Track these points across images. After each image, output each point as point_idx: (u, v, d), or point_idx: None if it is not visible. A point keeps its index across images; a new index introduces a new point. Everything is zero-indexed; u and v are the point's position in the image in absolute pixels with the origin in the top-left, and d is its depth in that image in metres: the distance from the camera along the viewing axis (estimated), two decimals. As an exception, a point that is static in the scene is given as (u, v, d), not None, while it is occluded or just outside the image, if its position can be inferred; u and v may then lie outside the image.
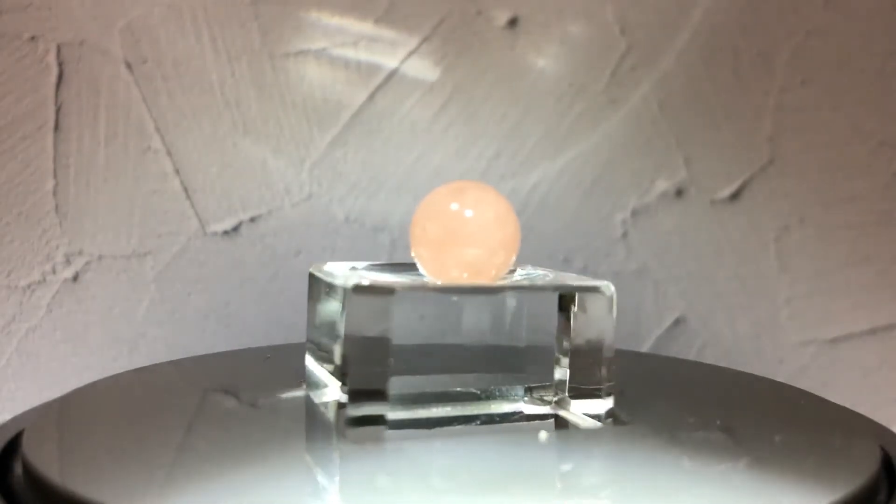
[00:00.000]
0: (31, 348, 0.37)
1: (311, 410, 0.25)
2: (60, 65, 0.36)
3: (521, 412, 0.25)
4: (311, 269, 0.26)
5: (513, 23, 0.38)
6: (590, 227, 0.39)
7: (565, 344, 0.25)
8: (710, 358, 0.39)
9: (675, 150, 0.38)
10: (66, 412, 0.25)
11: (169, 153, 0.37)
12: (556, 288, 0.25)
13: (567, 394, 0.25)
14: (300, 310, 0.38)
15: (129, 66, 0.37)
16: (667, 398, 0.28)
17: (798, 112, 0.38)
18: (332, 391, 0.24)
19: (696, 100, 0.38)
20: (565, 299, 0.25)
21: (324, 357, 0.25)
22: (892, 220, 0.39)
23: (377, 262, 0.28)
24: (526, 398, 0.26)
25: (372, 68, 0.37)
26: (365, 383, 0.23)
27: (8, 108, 0.36)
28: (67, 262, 0.37)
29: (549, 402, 0.25)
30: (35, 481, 0.20)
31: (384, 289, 0.23)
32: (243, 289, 0.38)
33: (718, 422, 0.26)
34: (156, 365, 0.32)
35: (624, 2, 0.38)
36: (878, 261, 0.39)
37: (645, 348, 0.39)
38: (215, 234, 0.38)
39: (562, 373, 0.25)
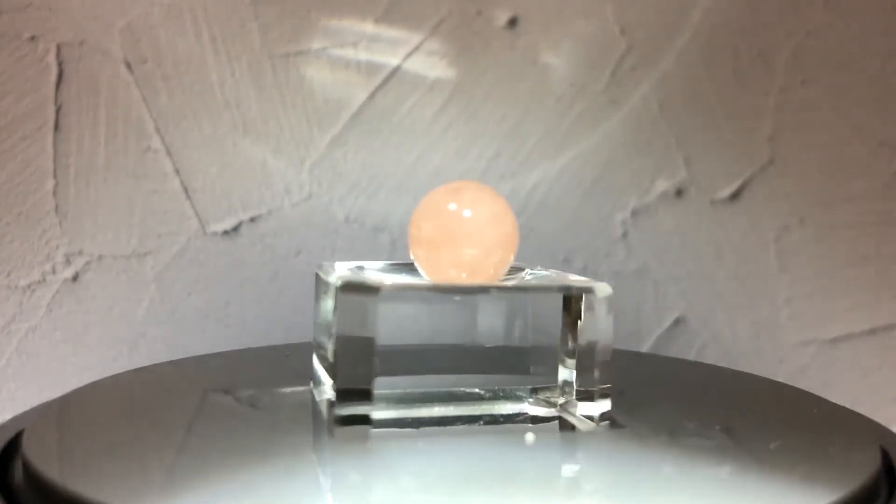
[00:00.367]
0: (31, 348, 0.37)
1: (309, 410, 0.25)
2: (60, 65, 0.36)
3: (505, 413, 0.25)
4: (316, 269, 0.26)
5: (513, 23, 0.38)
6: (590, 227, 0.39)
7: (563, 345, 0.25)
8: (710, 358, 0.39)
9: (675, 150, 0.38)
10: (66, 412, 0.25)
11: (169, 153, 0.37)
12: (547, 289, 0.25)
13: (558, 395, 0.25)
14: (300, 310, 0.38)
15: (129, 66, 0.37)
16: (666, 399, 0.28)
17: (798, 112, 0.38)
18: (329, 390, 0.24)
19: (696, 100, 0.38)
20: (567, 300, 0.25)
21: (322, 356, 0.25)
22: (892, 220, 0.39)
23: (393, 262, 0.28)
24: (531, 399, 0.25)
25: (372, 68, 0.37)
26: (352, 382, 0.23)
27: (8, 108, 0.36)
28: (67, 262, 0.37)
29: (550, 404, 0.25)
30: (35, 481, 0.20)
31: (370, 287, 0.23)
32: (243, 289, 0.38)
33: (718, 425, 0.26)
34: (156, 365, 0.32)
35: (624, 2, 0.38)
36: (878, 261, 0.39)
37: (645, 348, 0.39)
38: (215, 234, 0.38)
39: (563, 374, 0.25)
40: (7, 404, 0.37)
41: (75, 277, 0.37)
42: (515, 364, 0.26)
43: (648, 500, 0.20)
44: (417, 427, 0.24)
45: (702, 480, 0.21)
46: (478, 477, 0.21)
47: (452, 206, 0.25)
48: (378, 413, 0.24)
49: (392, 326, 0.25)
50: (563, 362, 0.25)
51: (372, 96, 0.38)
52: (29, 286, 0.37)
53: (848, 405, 0.27)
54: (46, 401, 0.26)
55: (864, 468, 0.21)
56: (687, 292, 0.39)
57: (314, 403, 0.26)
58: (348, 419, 0.23)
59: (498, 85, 0.38)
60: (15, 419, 0.24)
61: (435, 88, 0.38)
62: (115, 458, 0.21)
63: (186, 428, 0.24)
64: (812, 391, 0.29)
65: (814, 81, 0.38)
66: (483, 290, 0.25)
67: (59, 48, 0.36)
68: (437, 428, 0.24)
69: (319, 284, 0.26)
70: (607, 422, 0.24)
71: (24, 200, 0.36)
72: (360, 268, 0.27)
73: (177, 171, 0.37)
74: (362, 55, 0.37)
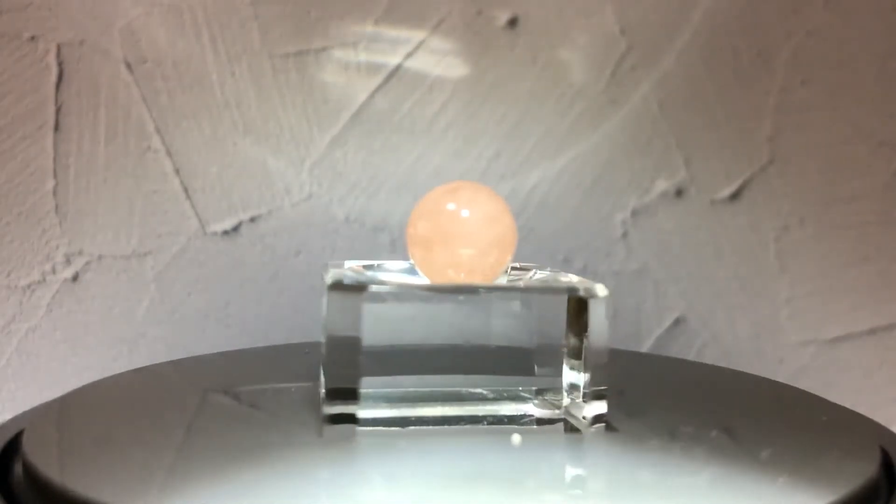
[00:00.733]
0: (31, 348, 0.37)
1: (309, 409, 0.25)
2: (60, 65, 0.36)
3: (498, 415, 0.25)
4: (322, 269, 0.26)
5: (513, 23, 0.38)
6: (590, 227, 0.39)
7: (561, 347, 0.25)
8: (709, 358, 0.39)
9: (675, 150, 0.38)
10: (66, 412, 0.25)
11: (169, 153, 0.37)
12: (540, 290, 0.25)
13: (553, 397, 0.25)
14: (300, 310, 0.38)
15: (129, 66, 0.37)
16: (666, 399, 0.28)
17: (798, 112, 0.38)
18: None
19: (696, 100, 0.38)
20: (570, 302, 0.25)
21: (322, 355, 0.25)
22: (892, 220, 0.39)
23: (409, 263, 0.28)
24: (536, 401, 0.25)
25: (372, 68, 0.37)
26: (340, 382, 0.23)
27: (8, 108, 0.36)
28: (67, 262, 0.37)
29: (549, 405, 0.25)
30: (35, 481, 0.20)
31: (356, 287, 0.23)
32: (243, 289, 0.38)
33: (717, 425, 0.26)
34: (156, 365, 0.32)
35: (624, 2, 0.38)
36: (878, 261, 0.39)
37: (645, 348, 0.39)
38: (215, 234, 0.38)
39: (561, 375, 0.25)
40: (7, 404, 0.37)
41: (75, 277, 0.37)
42: (515, 364, 0.26)
43: (648, 501, 0.20)
44: (404, 426, 0.24)
45: (701, 481, 0.21)
46: (471, 475, 0.21)
47: (447, 206, 0.25)
48: (367, 412, 0.24)
49: (390, 327, 0.25)
50: (560, 364, 0.25)
51: (372, 96, 0.38)
52: (29, 286, 0.37)
53: (848, 405, 0.27)
54: (46, 401, 0.26)
55: (864, 468, 0.21)
56: (687, 292, 0.39)
57: (316, 403, 0.26)
58: (336, 418, 0.23)
59: (498, 85, 0.38)
60: (15, 419, 0.24)
61: (435, 88, 0.38)
62: (115, 459, 0.21)
63: (186, 428, 0.24)
64: (812, 391, 0.29)
65: (814, 81, 0.38)
66: (472, 290, 0.24)
67: (59, 48, 0.36)
68: (426, 428, 0.24)
69: (324, 284, 0.26)
70: (602, 424, 0.24)
71: (24, 200, 0.36)
72: (370, 267, 0.28)
73: (177, 171, 0.37)
74: (362, 55, 0.37)
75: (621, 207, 0.39)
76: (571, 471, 0.23)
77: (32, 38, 0.36)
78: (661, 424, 0.25)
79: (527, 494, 0.20)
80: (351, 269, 0.27)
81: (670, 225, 0.39)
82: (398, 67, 0.37)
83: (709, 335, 0.39)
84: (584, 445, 0.24)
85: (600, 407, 0.24)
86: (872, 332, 0.39)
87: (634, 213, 0.39)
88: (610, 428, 0.24)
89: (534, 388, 0.25)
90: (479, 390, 0.25)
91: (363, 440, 0.23)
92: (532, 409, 0.25)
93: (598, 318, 0.24)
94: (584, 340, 0.24)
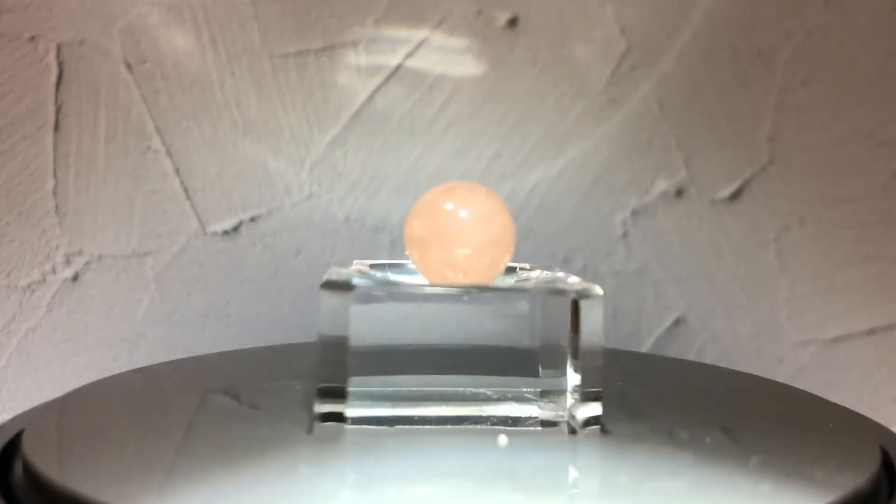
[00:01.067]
0: (31, 348, 0.37)
1: (308, 409, 0.25)
2: (60, 65, 0.36)
3: (489, 415, 0.25)
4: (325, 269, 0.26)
5: (513, 23, 0.38)
6: (590, 227, 0.39)
7: (561, 348, 0.25)
8: (709, 358, 0.39)
9: (675, 150, 0.38)
10: (66, 412, 0.25)
11: (169, 153, 0.37)
12: (535, 291, 0.25)
13: (543, 397, 0.25)
14: (300, 310, 0.38)
15: (129, 66, 0.37)
16: (665, 399, 0.28)
17: (798, 112, 0.38)
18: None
19: (696, 100, 0.38)
20: (571, 302, 0.25)
21: None
22: (892, 220, 0.39)
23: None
24: (540, 402, 0.25)
25: (372, 68, 0.37)
26: (329, 380, 0.23)
27: (8, 108, 0.36)
28: (67, 262, 0.37)
29: (549, 406, 0.25)
30: (35, 481, 0.20)
31: (345, 287, 0.23)
32: (243, 289, 0.38)
33: (717, 425, 0.26)
34: (156, 365, 0.32)
35: (624, 2, 0.38)
36: (878, 261, 0.39)
37: (645, 348, 0.39)
38: (215, 234, 0.38)
39: (557, 376, 0.25)
40: (7, 404, 0.37)
41: (75, 277, 0.37)
42: (515, 365, 0.26)
43: (647, 501, 0.20)
44: (392, 426, 0.24)
45: (700, 481, 0.21)
46: (453, 474, 0.21)
47: (443, 206, 0.25)
48: (354, 411, 0.24)
49: (389, 326, 0.25)
50: (563, 364, 0.25)
51: (372, 96, 0.38)
52: (29, 286, 0.37)
53: (848, 405, 0.27)
54: (46, 401, 0.26)
55: (864, 468, 0.21)
56: (687, 292, 0.39)
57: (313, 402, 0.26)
58: (326, 416, 0.23)
59: (498, 85, 0.38)
60: (15, 419, 0.24)
61: (435, 88, 0.38)
62: (114, 458, 0.21)
63: (186, 428, 0.24)
64: (812, 391, 0.29)
65: (814, 81, 0.38)
66: (465, 291, 0.24)
67: (59, 48, 0.36)
68: (415, 427, 0.24)
69: None
70: (597, 426, 0.24)
71: (24, 200, 0.36)
72: (375, 266, 0.28)
73: (177, 171, 0.37)
74: (362, 55, 0.37)
75: (621, 207, 0.39)
76: (552, 474, 0.22)
77: (32, 38, 0.36)
78: (660, 425, 0.25)
79: (504, 493, 0.20)
80: (358, 269, 0.27)
81: (670, 225, 0.39)
82: (398, 67, 0.37)
83: (708, 335, 0.39)
84: (573, 447, 0.24)
85: (595, 409, 0.24)
86: (872, 332, 0.39)
87: (634, 213, 0.39)
88: (603, 430, 0.24)
89: (535, 390, 0.25)
90: (474, 390, 0.25)
91: (350, 438, 0.23)
92: (533, 410, 0.25)
93: (589, 319, 0.24)
94: (579, 342, 0.24)
